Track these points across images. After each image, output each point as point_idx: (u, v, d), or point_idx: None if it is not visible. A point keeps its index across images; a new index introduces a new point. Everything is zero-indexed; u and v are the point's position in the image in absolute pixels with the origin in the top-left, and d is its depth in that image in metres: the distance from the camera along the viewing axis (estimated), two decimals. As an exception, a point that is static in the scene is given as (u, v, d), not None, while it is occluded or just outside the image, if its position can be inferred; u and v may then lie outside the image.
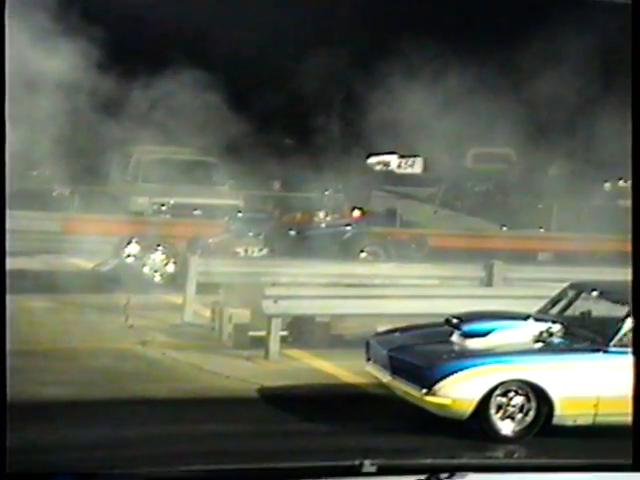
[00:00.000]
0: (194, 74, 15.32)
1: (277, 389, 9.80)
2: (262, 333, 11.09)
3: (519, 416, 8.53)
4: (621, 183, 21.54)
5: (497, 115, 17.26)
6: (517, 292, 11.55)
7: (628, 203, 4.19)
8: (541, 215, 19.43)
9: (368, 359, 9.44)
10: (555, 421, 8.52)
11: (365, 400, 9.46)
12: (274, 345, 10.91)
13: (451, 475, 4.41)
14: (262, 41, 15.78)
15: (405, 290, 11.91)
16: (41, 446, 7.72)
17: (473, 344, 8.90)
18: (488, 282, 12.82)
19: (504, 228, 18.53)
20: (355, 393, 9.70)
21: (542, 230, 18.65)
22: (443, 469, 4.89)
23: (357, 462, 4.64)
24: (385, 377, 9.01)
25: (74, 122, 14.76)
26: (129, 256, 14.97)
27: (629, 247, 4.97)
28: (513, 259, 14.18)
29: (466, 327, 9.00)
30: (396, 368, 8.85)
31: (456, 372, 8.48)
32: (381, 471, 4.68)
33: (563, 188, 20.24)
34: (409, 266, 13.75)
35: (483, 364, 8.57)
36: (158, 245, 14.83)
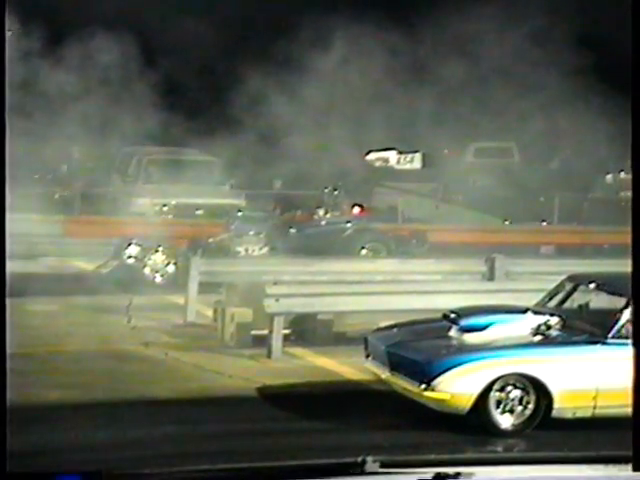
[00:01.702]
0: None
1: (280, 388, 9.81)
2: (264, 332, 11.10)
3: (518, 410, 8.54)
4: (622, 175, 21.55)
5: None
6: (519, 286, 11.54)
7: (629, 195, 4.20)
8: (543, 208, 19.44)
9: (367, 355, 9.45)
10: (554, 414, 8.53)
11: (368, 397, 9.47)
12: (276, 344, 10.92)
13: (457, 475, 4.42)
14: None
15: (407, 286, 11.92)
16: (44, 448, 7.74)
17: (471, 339, 8.90)
18: (490, 276, 12.82)
19: (506, 222, 18.55)
20: (358, 390, 9.71)
21: (544, 223, 18.66)
22: (446, 463, 4.90)
23: (360, 459, 4.65)
24: (384, 373, 9.02)
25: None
26: (130, 257, 14.99)
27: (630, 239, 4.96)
28: (515, 253, 14.18)
29: (464, 322, 9.00)
30: (395, 364, 8.86)
31: (454, 367, 8.49)
32: (384, 467, 4.69)
33: (564, 181, 20.24)
34: (411, 262, 13.76)
35: (481, 358, 8.58)
36: (159, 246, 14.85)
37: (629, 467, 4.14)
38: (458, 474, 4.39)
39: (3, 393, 4.00)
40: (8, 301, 13.06)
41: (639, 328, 4.39)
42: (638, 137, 4.17)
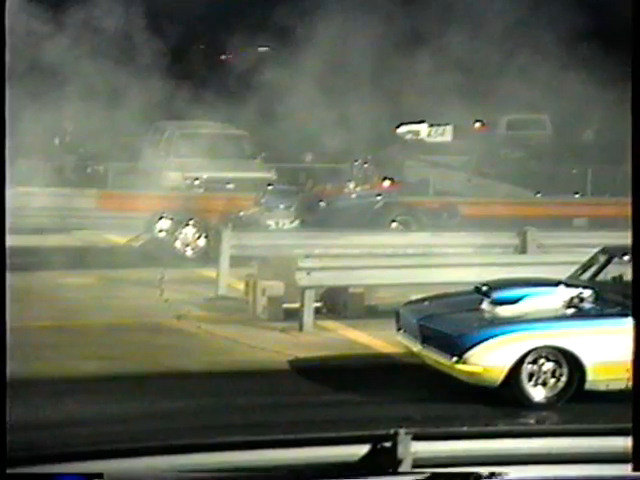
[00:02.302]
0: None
1: (311, 360, 9.84)
2: (296, 305, 11.12)
3: (551, 382, 8.52)
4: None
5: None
6: (552, 259, 11.47)
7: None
8: (576, 181, 19.29)
9: (398, 329, 9.45)
10: (588, 386, 8.50)
11: (400, 369, 9.48)
12: (308, 317, 10.95)
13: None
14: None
15: (438, 259, 11.89)
16: (78, 420, 7.82)
17: (503, 311, 8.88)
18: (522, 249, 12.76)
19: (538, 195, 18.42)
20: (389, 363, 9.73)
21: (577, 196, 18.52)
22: (478, 436, 4.90)
23: (392, 431, 4.67)
24: (415, 346, 9.03)
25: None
26: (161, 231, 15.06)
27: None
28: (548, 226, 14.09)
29: (496, 294, 8.98)
30: (426, 337, 8.86)
31: (486, 340, 8.48)
32: (416, 439, 4.71)
33: (597, 153, 20.06)
34: (442, 235, 13.70)
35: (514, 331, 8.56)
36: (190, 219, 14.89)
37: (629, 467, 4.12)
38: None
39: (3, 393, 4.04)
40: (43, 274, 13.19)
41: (639, 329, 4.36)
42: (638, 137, 4.14)
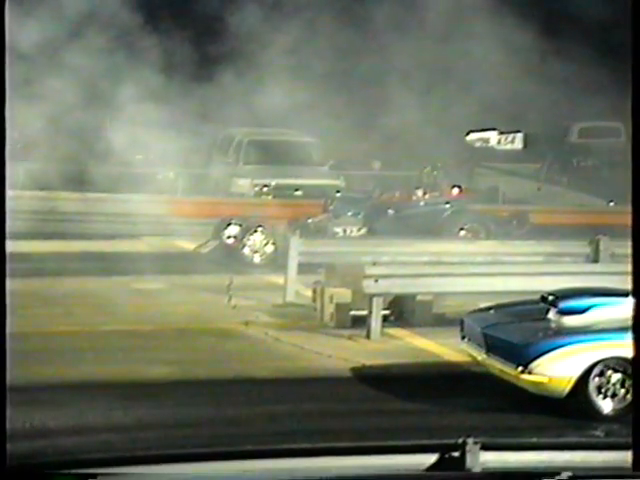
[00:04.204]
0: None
1: (379, 368, 9.82)
2: (363, 312, 11.11)
3: (620, 394, 8.36)
4: None
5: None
6: (624, 268, 11.24)
7: None
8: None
9: (463, 337, 9.38)
10: None
11: (468, 378, 9.40)
12: (375, 324, 10.92)
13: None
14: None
15: (508, 267, 11.77)
16: (147, 423, 7.90)
17: (570, 321, 8.75)
18: (594, 258, 12.57)
19: (611, 203, 18.14)
20: (457, 371, 9.65)
21: None
22: (544, 447, 4.84)
23: (461, 440, 4.64)
24: (480, 355, 8.95)
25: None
26: (229, 237, 15.17)
27: None
28: (621, 235, 13.86)
29: (563, 304, 8.85)
30: (491, 346, 8.77)
31: (552, 350, 8.36)
32: (484, 449, 4.67)
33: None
34: (511, 243, 13.58)
35: (581, 342, 8.43)
36: (258, 226, 14.97)
37: (629, 467, 4.04)
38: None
39: (3, 394, 4.09)
40: (115, 279, 13.34)
41: (638, 329, 4.27)
42: (638, 137, 4.07)
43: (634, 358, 4.08)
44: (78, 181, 15.72)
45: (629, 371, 8.39)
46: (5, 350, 4.15)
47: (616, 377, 8.42)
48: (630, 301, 8.85)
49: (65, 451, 4.57)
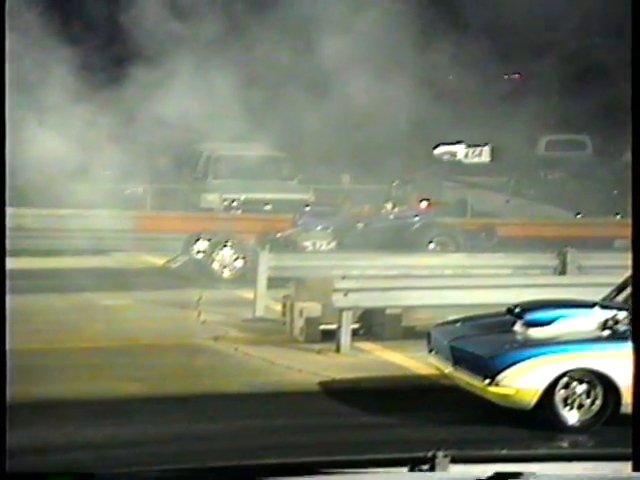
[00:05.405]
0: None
1: (348, 382, 9.82)
2: (333, 326, 11.11)
3: (586, 405, 8.41)
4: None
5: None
6: (592, 280, 11.36)
7: None
8: (617, 202, 19.13)
9: (430, 350, 9.40)
10: (623, 410, 8.38)
11: (436, 391, 9.42)
12: (345, 338, 10.93)
13: (518, 475, 4.38)
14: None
15: (477, 280, 11.83)
16: (116, 441, 7.85)
17: (536, 333, 8.79)
18: (562, 270, 12.65)
19: (579, 216, 18.30)
20: (426, 384, 9.67)
21: (618, 217, 18.36)
22: (516, 459, 4.85)
23: (430, 453, 4.63)
24: (447, 368, 8.97)
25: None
26: (198, 252, 15.13)
27: None
28: (588, 247, 13.97)
29: (529, 316, 8.89)
30: (458, 358, 8.80)
31: (519, 362, 8.40)
32: (454, 462, 4.67)
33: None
34: (480, 256, 13.65)
35: (547, 353, 8.46)
36: (227, 241, 14.95)
37: (629, 467, 4.06)
38: (519, 474, 4.36)
39: (3, 395, 4.05)
40: (83, 295, 13.19)
41: (638, 328, 4.30)
42: (638, 137, 4.11)
43: (635, 360, 4.10)
44: (44, 197, 15.62)
45: (595, 382, 8.44)
46: (5, 364, 4.09)
47: (582, 388, 8.46)
48: (596, 312, 8.96)
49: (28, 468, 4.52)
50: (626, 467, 4.14)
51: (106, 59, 15.83)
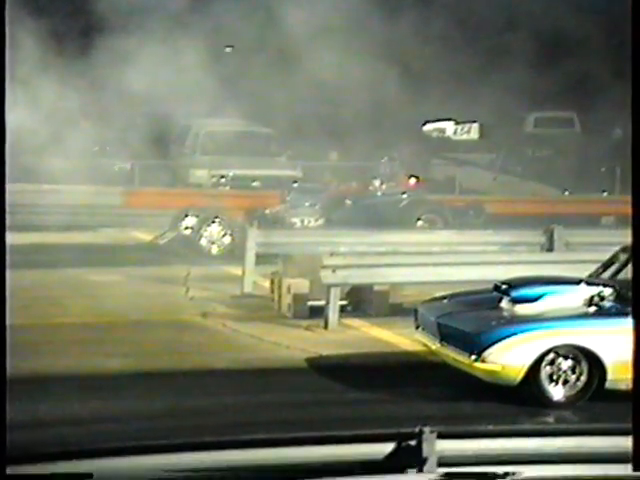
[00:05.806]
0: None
1: (336, 358, 9.85)
2: (321, 303, 11.14)
3: (571, 381, 8.46)
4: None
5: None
6: (579, 257, 11.39)
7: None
8: (604, 179, 19.17)
9: (417, 326, 9.44)
10: (608, 385, 8.44)
11: (424, 368, 9.47)
12: (333, 314, 10.96)
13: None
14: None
15: (464, 257, 11.86)
16: (105, 416, 7.86)
17: (522, 310, 8.83)
18: (549, 247, 12.69)
19: (566, 192, 18.34)
20: (413, 361, 9.72)
21: (605, 194, 18.40)
22: (500, 434, 4.89)
23: (417, 429, 4.67)
24: (434, 344, 9.01)
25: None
26: (187, 228, 15.12)
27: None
28: (575, 224, 14.01)
29: (515, 293, 8.93)
30: (445, 335, 8.83)
31: (505, 338, 8.43)
32: (441, 437, 4.70)
33: (626, 151, 19.89)
34: (468, 233, 13.67)
35: (532, 329, 8.51)
36: (215, 217, 14.94)
37: (629, 466, 4.10)
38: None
39: (3, 395, 4.07)
40: (71, 271, 13.17)
41: (638, 326, 4.33)
42: (638, 135, 4.13)
43: (634, 352, 4.14)
44: (33, 172, 15.56)
45: (580, 358, 8.49)
46: (5, 344, 4.12)
47: (567, 364, 8.51)
48: (583, 289, 9.00)
49: (20, 445, 4.53)
50: (625, 468, 4.17)
51: (73, 29, 15.70)
